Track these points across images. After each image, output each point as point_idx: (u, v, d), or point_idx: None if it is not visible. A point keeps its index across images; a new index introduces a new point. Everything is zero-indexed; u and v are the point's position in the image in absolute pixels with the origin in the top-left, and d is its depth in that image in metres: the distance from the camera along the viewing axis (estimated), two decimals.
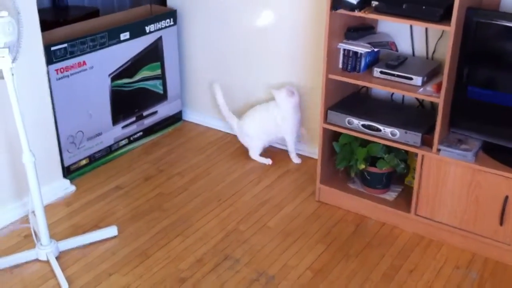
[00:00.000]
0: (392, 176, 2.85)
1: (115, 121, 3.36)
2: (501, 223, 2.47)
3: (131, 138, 3.51)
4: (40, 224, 2.48)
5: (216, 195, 3.06)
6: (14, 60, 2.23)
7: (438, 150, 2.52)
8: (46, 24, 3.26)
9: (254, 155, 3.39)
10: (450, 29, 2.34)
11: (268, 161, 3.36)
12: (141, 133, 3.56)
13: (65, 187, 3.05)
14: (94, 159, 3.29)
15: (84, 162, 3.23)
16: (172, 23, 3.54)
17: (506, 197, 2.41)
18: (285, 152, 3.44)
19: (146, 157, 3.43)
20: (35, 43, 2.73)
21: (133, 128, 3.50)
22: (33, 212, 2.53)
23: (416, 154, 2.62)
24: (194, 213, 2.90)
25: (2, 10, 2.15)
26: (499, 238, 2.51)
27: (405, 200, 2.77)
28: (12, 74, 2.22)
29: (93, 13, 4.24)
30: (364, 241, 2.70)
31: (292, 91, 3.23)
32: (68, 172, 3.13)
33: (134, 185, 3.13)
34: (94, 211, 2.90)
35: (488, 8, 2.51)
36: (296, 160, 3.38)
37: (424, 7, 2.42)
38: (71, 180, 3.11)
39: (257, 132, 3.34)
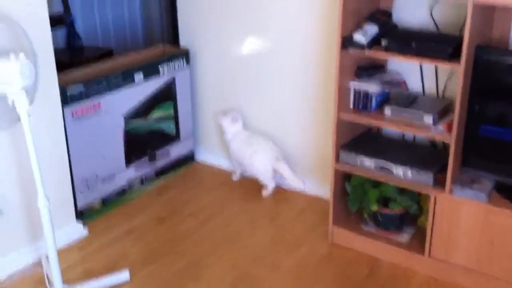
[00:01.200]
0: (405, 218, 2.81)
1: (128, 162, 3.39)
2: None
3: (144, 180, 3.52)
4: (54, 270, 2.48)
5: (229, 236, 3.04)
6: (30, 102, 2.26)
7: (451, 190, 2.50)
8: (61, 65, 3.31)
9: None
10: (460, 68, 2.34)
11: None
12: (153, 174, 3.58)
13: (78, 230, 3.05)
14: (107, 201, 3.30)
15: (97, 204, 3.24)
16: (185, 63, 3.59)
17: None
18: (296, 193, 3.43)
19: (159, 198, 3.44)
20: (51, 85, 2.77)
21: (146, 169, 3.52)
22: (46, 257, 2.54)
23: (428, 195, 2.59)
24: (207, 255, 2.88)
25: (19, 52, 2.18)
26: None
27: (419, 242, 2.73)
28: (29, 116, 2.23)
29: (107, 53, 4.30)
30: (378, 284, 2.66)
31: (236, 117, 3.43)
32: (81, 215, 3.14)
33: (146, 227, 3.13)
34: (107, 255, 2.89)
35: (498, 46, 2.51)
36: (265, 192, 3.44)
37: (433, 45, 2.43)
38: (84, 223, 3.12)
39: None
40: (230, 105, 3.61)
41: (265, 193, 3.42)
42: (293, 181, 3.38)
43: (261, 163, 3.37)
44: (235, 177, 3.60)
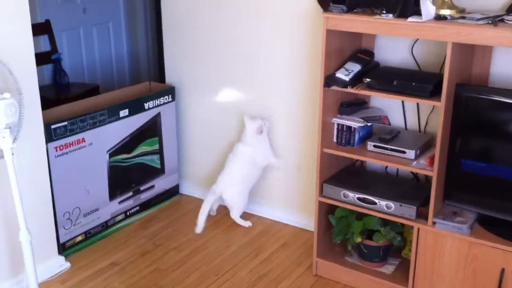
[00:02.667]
0: (389, 249, 2.84)
1: (112, 196, 3.38)
2: None
3: (128, 213, 3.51)
4: None
5: (213, 270, 3.03)
6: (14, 140, 2.28)
7: (434, 223, 2.54)
8: (47, 101, 3.34)
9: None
10: (440, 105, 2.41)
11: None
12: (138, 207, 3.57)
13: (60, 264, 3.03)
14: (90, 235, 3.28)
15: (80, 238, 3.22)
16: (170, 99, 3.63)
17: (503, 270, 2.41)
18: (281, 225, 3.44)
19: (143, 232, 3.42)
20: (35, 122, 2.79)
21: (129, 203, 3.51)
22: None
23: (412, 227, 2.63)
24: None
25: (4, 91, 2.21)
26: None
27: (403, 274, 2.75)
28: (12, 154, 2.25)
29: (94, 90, 4.35)
30: None
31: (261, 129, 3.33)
32: (63, 248, 3.11)
33: (130, 261, 3.11)
34: None
35: (478, 83, 2.60)
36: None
37: (414, 83, 2.50)
38: (67, 257, 3.09)
39: None
40: (215, 140, 3.64)
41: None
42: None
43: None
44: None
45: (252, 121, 3.34)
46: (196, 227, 3.34)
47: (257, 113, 3.41)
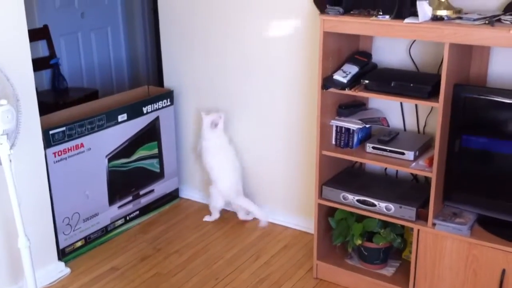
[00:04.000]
0: (390, 251, 2.83)
1: (111, 201, 3.38)
2: None
3: (128, 218, 3.51)
4: None
5: (214, 273, 3.03)
6: (12, 146, 2.28)
7: (433, 224, 2.53)
8: (46, 107, 3.34)
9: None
10: (439, 106, 2.40)
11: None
12: (137, 212, 3.57)
13: (60, 269, 3.02)
14: (89, 240, 3.27)
15: (79, 243, 3.21)
16: (169, 103, 3.63)
17: (503, 270, 2.40)
18: (281, 228, 3.44)
19: (143, 236, 3.42)
20: (33, 128, 2.78)
21: (129, 207, 3.51)
22: None
23: (412, 229, 2.62)
24: None
25: (1, 98, 2.21)
26: None
27: (404, 275, 2.75)
28: (10, 161, 2.25)
29: (92, 94, 4.34)
30: None
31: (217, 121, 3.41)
32: (63, 254, 3.10)
33: (130, 266, 3.10)
34: None
35: (476, 83, 2.59)
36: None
37: (412, 84, 2.49)
38: (66, 263, 3.08)
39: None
40: None
41: (207, 218, 3.54)
42: (258, 214, 3.45)
43: (214, 195, 3.47)
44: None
45: (207, 115, 3.41)
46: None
47: (255, 115, 3.41)
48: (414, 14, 2.35)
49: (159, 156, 3.65)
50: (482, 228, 2.50)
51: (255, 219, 3.50)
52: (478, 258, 2.45)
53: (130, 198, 3.50)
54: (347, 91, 2.62)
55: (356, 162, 2.99)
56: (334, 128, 2.79)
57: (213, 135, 3.43)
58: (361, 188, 2.76)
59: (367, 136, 2.86)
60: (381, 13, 2.44)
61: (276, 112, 3.34)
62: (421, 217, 2.58)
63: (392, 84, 2.53)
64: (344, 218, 2.82)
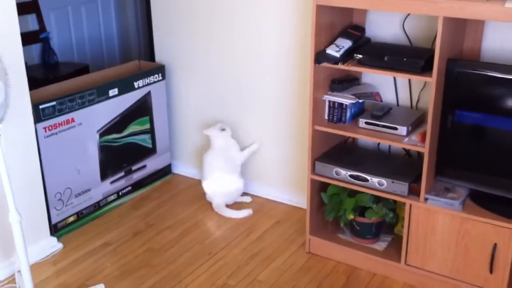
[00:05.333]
0: (382, 226, 2.84)
1: (103, 176, 3.36)
2: (491, 271, 2.46)
3: (120, 193, 3.50)
4: (26, 285, 2.44)
5: (206, 248, 3.03)
6: (1, 120, 2.25)
7: (426, 199, 2.53)
8: (36, 81, 3.30)
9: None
10: (432, 80, 2.38)
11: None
12: (129, 187, 3.56)
13: (52, 245, 3.02)
14: (82, 216, 3.26)
15: (71, 219, 3.20)
16: (160, 78, 3.59)
17: (495, 245, 2.41)
18: (274, 203, 3.44)
19: (135, 212, 3.41)
20: (23, 102, 2.75)
21: (121, 183, 3.49)
22: (19, 271, 2.50)
23: (404, 204, 2.62)
24: (184, 268, 2.86)
25: None
26: (490, 286, 2.49)
27: (396, 250, 2.76)
28: (0, 135, 2.23)
29: (83, 69, 4.29)
30: None
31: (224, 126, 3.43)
32: (55, 229, 3.10)
33: (122, 241, 3.10)
34: (82, 269, 2.86)
35: (469, 58, 2.57)
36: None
37: (405, 59, 2.47)
38: (59, 238, 3.08)
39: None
40: (206, 118, 3.61)
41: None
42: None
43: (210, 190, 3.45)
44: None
45: (211, 128, 3.42)
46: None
47: (247, 90, 3.39)
48: None
49: (151, 131, 3.63)
50: (474, 203, 2.51)
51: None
52: (470, 233, 2.46)
53: (122, 173, 3.49)
54: (340, 66, 2.59)
55: (349, 137, 2.98)
56: (326, 103, 2.78)
57: (222, 134, 3.41)
58: (353, 163, 2.76)
59: (360, 111, 2.84)
60: None
61: (269, 86, 3.31)
62: (413, 192, 2.58)
63: (385, 59, 2.51)
64: (336, 193, 2.82)
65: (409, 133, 2.61)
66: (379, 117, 2.69)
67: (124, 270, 2.85)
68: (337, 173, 2.74)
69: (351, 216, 2.75)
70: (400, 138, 2.59)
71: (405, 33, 2.74)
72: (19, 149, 2.77)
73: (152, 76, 3.54)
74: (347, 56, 2.61)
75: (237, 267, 2.87)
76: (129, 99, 3.42)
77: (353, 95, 2.75)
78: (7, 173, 2.29)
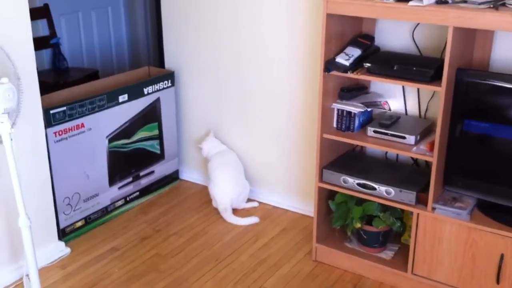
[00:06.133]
0: (389, 235, 2.84)
1: (111, 181, 3.38)
2: (497, 282, 2.45)
3: (128, 199, 3.51)
4: None
5: (213, 255, 3.04)
6: (13, 125, 2.27)
7: (433, 208, 2.53)
8: (46, 86, 3.32)
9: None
10: (441, 90, 2.39)
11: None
12: (137, 193, 3.57)
13: (60, 249, 3.03)
14: (90, 220, 3.28)
15: (80, 223, 3.22)
16: (169, 84, 3.61)
17: (502, 255, 2.41)
18: (281, 211, 3.45)
19: (143, 217, 3.43)
20: (34, 107, 2.77)
21: (129, 188, 3.51)
22: (27, 275, 2.52)
23: (412, 213, 2.62)
24: (191, 274, 2.87)
25: (2, 76, 2.20)
26: None
27: (402, 259, 2.76)
28: (11, 139, 2.24)
29: (93, 75, 4.32)
30: None
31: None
32: (63, 234, 3.11)
33: (130, 246, 3.11)
34: (89, 274, 2.87)
35: (478, 68, 2.58)
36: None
37: (414, 68, 2.48)
38: (66, 242, 3.10)
39: None
40: (214, 125, 3.63)
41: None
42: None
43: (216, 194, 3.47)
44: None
45: (204, 142, 3.57)
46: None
47: (256, 97, 3.40)
48: None
49: (160, 137, 3.65)
50: (481, 213, 2.50)
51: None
52: (477, 243, 2.46)
53: (130, 179, 3.50)
54: (349, 74, 2.60)
55: (357, 145, 2.99)
56: (335, 112, 2.78)
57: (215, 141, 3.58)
58: (361, 171, 2.76)
59: (368, 119, 2.85)
60: None
61: (279, 95, 3.32)
62: (421, 201, 2.58)
63: (395, 68, 2.51)
64: (344, 201, 2.83)
65: (417, 142, 2.61)
66: (388, 126, 2.69)
67: (132, 275, 2.86)
68: (344, 181, 2.75)
69: (358, 225, 2.75)
70: (409, 147, 2.59)
71: (415, 42, 2.75)
72: (29, 153, 2.79)
73: (162, 83, 3.56)
74: (356, 64, 2.62)
75: (244, 273, 2.88)
76: (139, 105, 3.44)
77: (361, 103, 2.75)
78: (18, 177, 2.31)
